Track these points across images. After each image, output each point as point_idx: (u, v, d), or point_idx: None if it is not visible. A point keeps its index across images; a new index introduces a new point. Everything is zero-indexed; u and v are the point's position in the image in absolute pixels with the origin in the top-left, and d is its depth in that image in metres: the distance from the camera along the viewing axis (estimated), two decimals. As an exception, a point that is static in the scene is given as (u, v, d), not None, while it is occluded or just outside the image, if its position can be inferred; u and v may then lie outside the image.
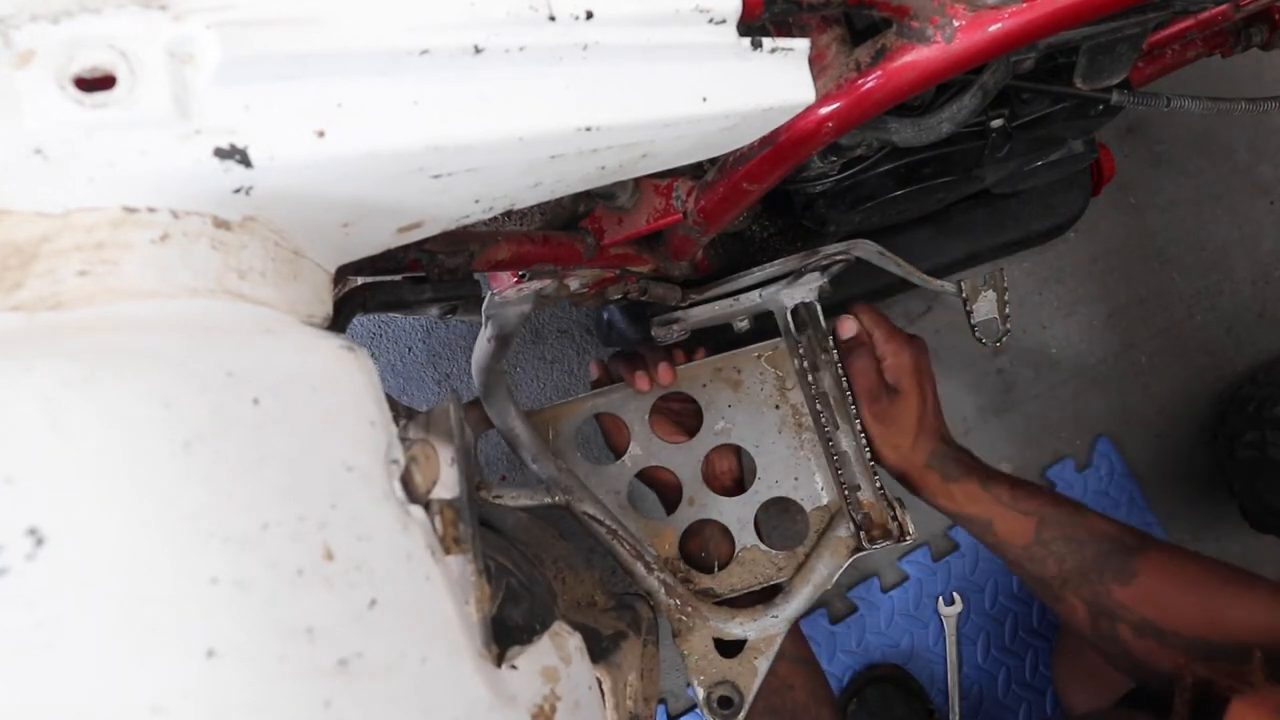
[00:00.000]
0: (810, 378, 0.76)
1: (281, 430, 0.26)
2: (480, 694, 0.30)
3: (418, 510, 0.31)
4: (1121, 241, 1.28)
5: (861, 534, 0.73)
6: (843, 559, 0.73)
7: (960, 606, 1.19)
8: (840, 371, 0.76)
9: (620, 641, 0.58)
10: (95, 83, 0.25)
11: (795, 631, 0.75)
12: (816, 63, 0.45)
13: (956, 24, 0.41)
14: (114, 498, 0.22)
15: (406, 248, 0.50)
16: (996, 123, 0.68)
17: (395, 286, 0.53)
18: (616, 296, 0.73)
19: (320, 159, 0.28)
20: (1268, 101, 0.64)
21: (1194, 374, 1.29)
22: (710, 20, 0.37)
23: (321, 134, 0.28)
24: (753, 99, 0.39)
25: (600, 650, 0.56)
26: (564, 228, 0.65)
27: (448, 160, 0.31)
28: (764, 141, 0.48)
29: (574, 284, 0.62)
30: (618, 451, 0.78)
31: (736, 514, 0.76)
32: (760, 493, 0.77)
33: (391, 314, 0.76)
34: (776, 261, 0.73)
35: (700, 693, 0.69)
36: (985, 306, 0.76)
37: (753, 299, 0.78)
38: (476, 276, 0.56)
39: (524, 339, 1.18)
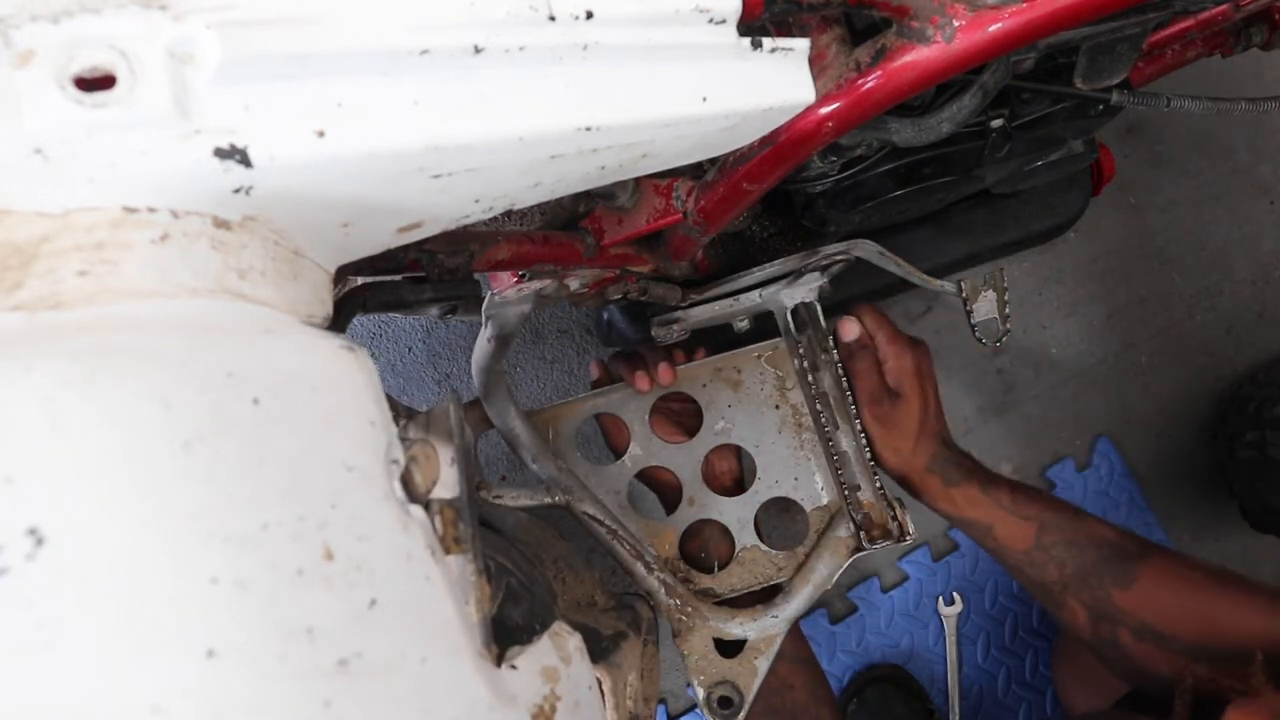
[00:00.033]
0: (810, 378, 0.76)
1: (281, 430, 0.26)
2: (480, 694, 0.30)
3: (418, 510, 0.31)
4: (1121, 241, 1.28)
5: (861, 534, 0.73)
6: (843, 559, 0.73)
7: (960, 606, 1.19)
8: (840, 371, 0.76)
9: (620, 641, 0.58)
10: (95, 83, 0.25)
11: (795, 631, 0.75)
12: (816, 63, 0.45)
13: (956, 24, 0.42)
14: (114, 498, 0.22)
15: (406, 248, 0.50)
16: (996, 123, 0.68)
17: (395, 286, 0.53)
18: (616, 296, 0.73)
19: (320, 159, 0.28)
20: (1268, 101, 0.64)
21: (1194, 374, 1.29)
22: (710, 20, 0.37)
23: (321, 134, 0.28)
24: (753, 99, 0.39)
25: (600, 650, 0.56)
26: (564, 228, 0.65)
27: (448, 160, 0.31)
28: (764, 141, 0.48)
29: (574, 284, 0.62)
30: (618, 451, 0.78)
31: (736, 514, 0.76)
32: (760, 493, 0.77)
33: (391, 314, 0.76)
34: (776, 261, 0.73)
35: (700, 693, 0.69)
36: (985, 306, 0.76)
37: (753, 299, 0.78)
38: (476, 276, 0.56)
39: (524, 339, 1.18)
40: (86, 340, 0.24)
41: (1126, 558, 0.70)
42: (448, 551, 0.31)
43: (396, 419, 0.32)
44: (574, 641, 0.40)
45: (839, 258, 0.73)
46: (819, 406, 0.76)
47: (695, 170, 0.60)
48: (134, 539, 0.22)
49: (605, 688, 0.52)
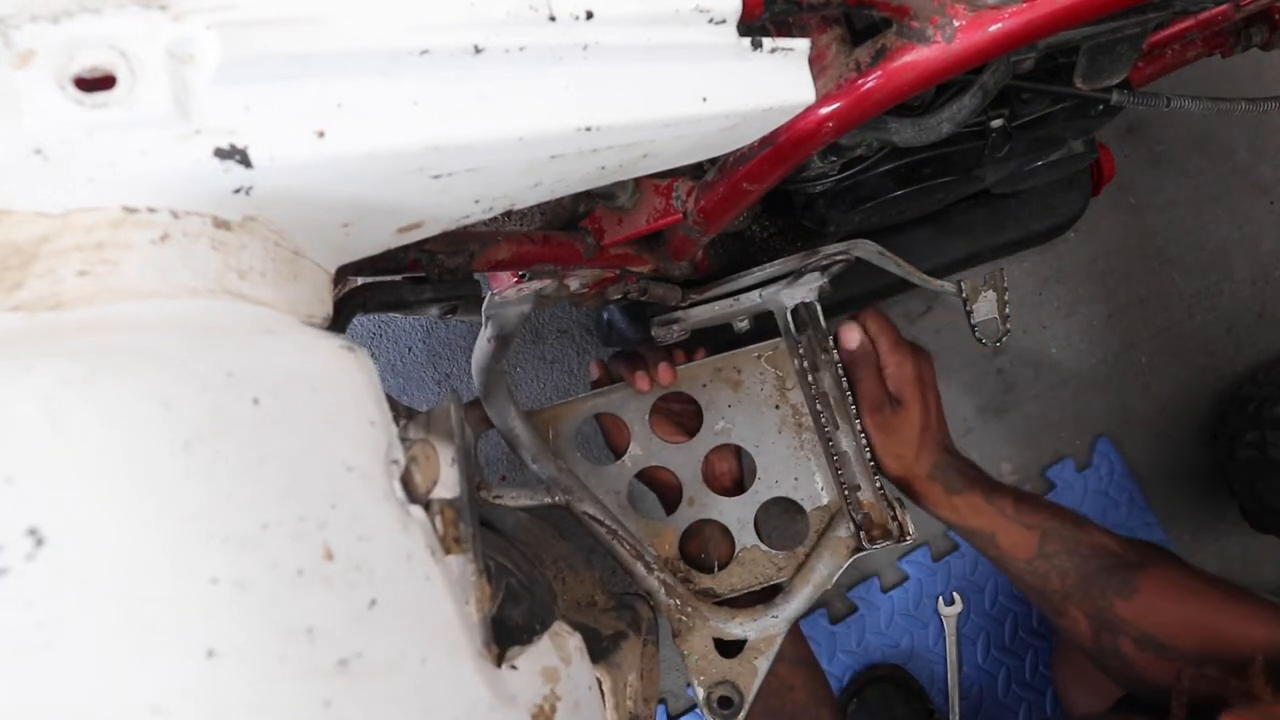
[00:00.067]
0: (810, 378, 0.76)
1: (281, 430, 0.26)
2: (480, 694, 0.30)
3: (418, 510, 0.31)
4: (1121, 241, 1.28)
5: (861, 534, 0.73)
6: (843, 559, 0.73)
7: (960, 606, 1.20)
8: (840, 372, 0.76)
9: (620, 641, 0.58)
10: (95, 83, 0.25)
11: (795, 632, 0.75)
12: (816, 63, 0.45)
13: (956, 24, 0.42)
14: (114, 498, 0.22)
15: (406, 248, 0.50)
16: (996, 123, 0.68)
17: (395, 286, 0.53)
18: (616, 296, 0.73)
19: (320, 159, 0.28)
20: (1268, 101, 0.64)
21: (1194, 374, 1.29)
22: (710, 20, 0.37)
23: (321, 134, 0.28)
24: (753, 99, 0.39)
25: (600, 650, 0.56)
26: (564, 228, 0.65)
27: (448, 160, 0.31)
28: (764, 141, 0.48)
29: (574, 284, 0.62)
30: (618, 451, 0.78)
31: (736, 514, 0.76)
32: (760, 493, 0.77)
33: (391, 314, 0.76)
34: (776, 261, 0.73)
35: (700, 693, 0.69)
36: (985, 306, 0.76)
37: (753, 299, 0.78)
38: (476, 276, 0.56)
39: (524, 339, 1.18)
40: (86, 340, 0.24)
41: (1128, 567, 0.70)
42: (448, 551, 0.31)
43: (397, 419, 0.32)
44: (574, 641, 0.40)
45: (839, 258, 0.73)
46: (819, 406, 0.76)
47: (695, 170, 0.60)
48: (134, 539, 0.22)
49: (605, 688, 0.52)
